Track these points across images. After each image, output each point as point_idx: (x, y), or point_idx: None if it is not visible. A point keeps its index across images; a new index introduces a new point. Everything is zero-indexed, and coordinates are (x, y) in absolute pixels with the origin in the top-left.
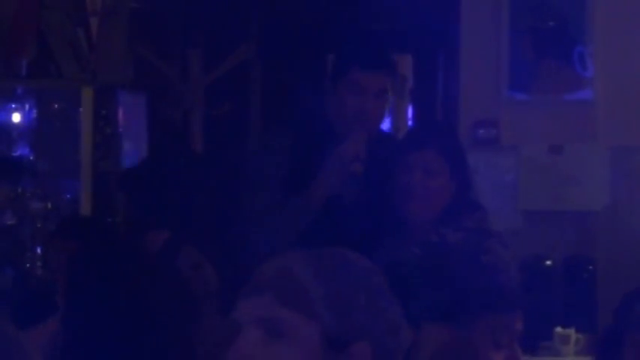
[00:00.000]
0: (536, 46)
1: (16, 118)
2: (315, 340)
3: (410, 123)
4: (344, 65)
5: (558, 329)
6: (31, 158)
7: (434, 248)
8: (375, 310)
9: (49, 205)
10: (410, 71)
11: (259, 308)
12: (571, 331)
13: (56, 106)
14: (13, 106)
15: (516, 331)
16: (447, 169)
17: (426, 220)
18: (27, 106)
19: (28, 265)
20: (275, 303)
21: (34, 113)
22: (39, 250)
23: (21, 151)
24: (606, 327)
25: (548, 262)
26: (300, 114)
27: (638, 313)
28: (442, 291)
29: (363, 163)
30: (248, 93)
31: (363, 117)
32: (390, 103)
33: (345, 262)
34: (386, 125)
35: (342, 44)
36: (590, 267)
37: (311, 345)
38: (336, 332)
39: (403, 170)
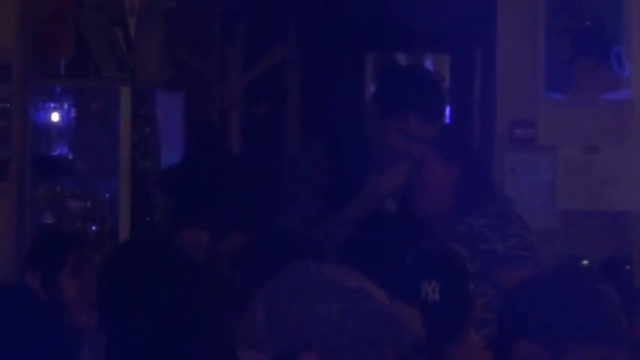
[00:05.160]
0: (573, 46)
1: (55, 117)
2: None
3: (447, 122)
4: (402, 109)
5: None
6: (70, 157)
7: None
8: (312, 317)
9: (88, 204)
10: (447, 71)
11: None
12: None
13: (95, 105)
14: (52, 105)
15: None
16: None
17: (438, 213)
18: (66, 106)
19: None
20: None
21: (73, 113)
22: None
23: (60, 150)
24: None
25: (585, 262)
26: (336, 126)
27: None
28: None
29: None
30: (286, 92)
31: (409, 158)
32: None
33: (286, 274)
34: None
35: (403, 85)
36: (627, 267)
37: None
38: (280, 353)
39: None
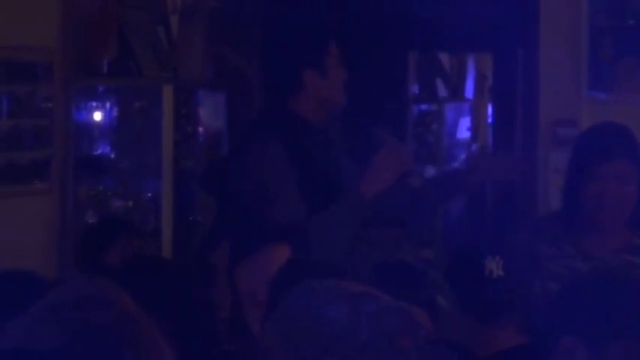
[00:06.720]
0: (615, 44)
1: (97, 116)
2: None
3: (490, 121)
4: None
5: None
6: (112, 157)
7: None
8: (323, 324)
9: (131, 204)
10: (489, 70)
11: None
12: None
13: (137, 104)
14: (94, 104)
15: None
16: (636, 177)
17: (617, 226)
18: (108, 105)
19: None
20: None
21: (115, 112)
22: None
23: (102, 149)
24: None
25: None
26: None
27: None
28: (587, 308)
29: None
30: None
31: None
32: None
33: (292, 296)
34: (466, 124)
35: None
36: None
37: None
38: None
39: (595, 179)
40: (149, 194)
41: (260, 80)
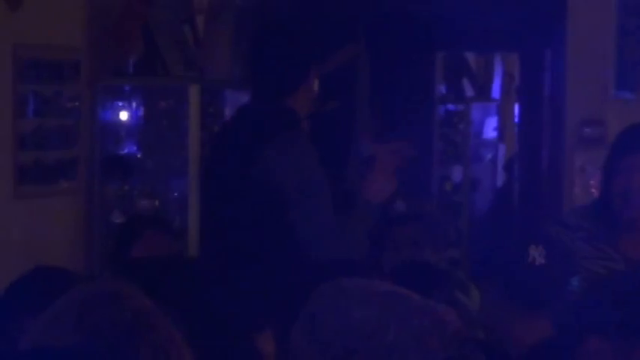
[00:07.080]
0: None
1: (124, 116)
2: None
3: (516, 121)
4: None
5: None
6: (139, 156)
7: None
8: (351, 324)
9: (157, 203)
10: (516, 70)
11: None
12: None
13: (163, 103)
14: (120, 104)
15: None
16: None
17: None
18: (134, 104)
19: None
20: None
21: (141, 111)
22: None
23: (128, 149)
24: None
25: None
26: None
27: None
28: (615, 309)
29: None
30: (355, 91)
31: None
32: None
33: (319, 295)
34: (493, 124)
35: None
36: None
37: None
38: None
39: (620, 172)
40: (175, 194)
41: (256, 77)
